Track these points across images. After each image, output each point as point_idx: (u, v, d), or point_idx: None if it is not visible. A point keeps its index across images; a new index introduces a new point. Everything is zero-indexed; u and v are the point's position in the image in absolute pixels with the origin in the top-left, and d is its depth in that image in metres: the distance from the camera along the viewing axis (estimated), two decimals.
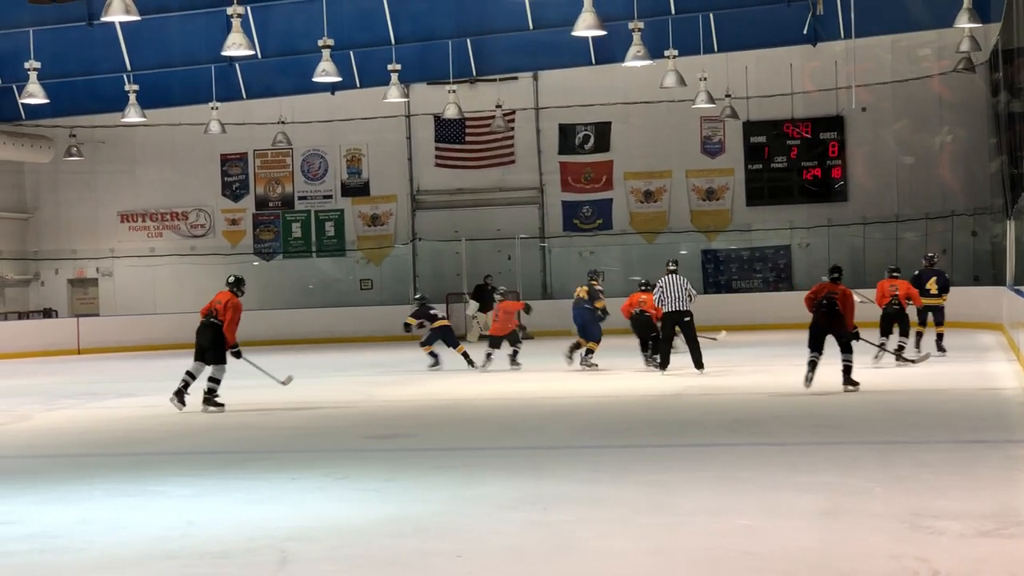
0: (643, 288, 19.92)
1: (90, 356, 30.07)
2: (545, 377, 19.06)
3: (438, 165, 33.83)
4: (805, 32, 27.20)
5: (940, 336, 20.28)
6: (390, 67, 24.91)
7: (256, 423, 14.35)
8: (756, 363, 20.09)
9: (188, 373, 15.56)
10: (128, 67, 25.90)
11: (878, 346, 18.48)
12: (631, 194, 33.09)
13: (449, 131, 33.32)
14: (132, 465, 11.35)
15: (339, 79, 22.85)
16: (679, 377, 17.58)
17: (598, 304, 20.09)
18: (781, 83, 31.46)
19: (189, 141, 33.34)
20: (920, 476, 9.14)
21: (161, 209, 35.04)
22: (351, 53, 27.93)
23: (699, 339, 18.24)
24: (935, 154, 31.64)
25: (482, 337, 27.62)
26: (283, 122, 32.00)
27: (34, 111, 29.31)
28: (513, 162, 33.50)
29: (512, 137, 33.28)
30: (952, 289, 20.95)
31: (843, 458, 10.23)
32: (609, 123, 33.00)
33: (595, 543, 7.34)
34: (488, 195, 33.61)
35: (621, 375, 18.81)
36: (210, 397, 15.38)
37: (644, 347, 19.60)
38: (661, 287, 18.20)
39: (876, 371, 17.18)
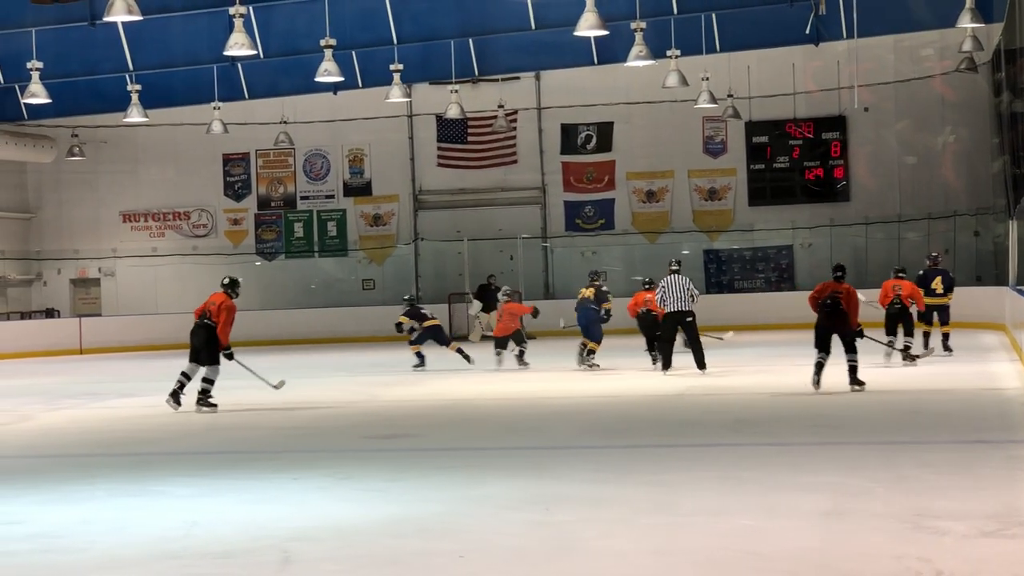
0: (647, 287, 19.92)
1: (92, 356, 30.07)
2: (547, 377, 19.05)
3: (440, 165, 33.83)
4: (807, 32, 27.17)
5: (946, 336, 20.30)
6: (392, 67, 24.89)
7: (258, 423, 14.35)
8: (758, 363, 20.08)
9: (183, 374, 15.59)
10: (130, 67, 25.90)
11: (887, 344, 18.53)
12: (633, 194, 33.09)
13: (451, 131, 33.32)
14: (134, 465, 11.35)
15: (341, 79, 22.82)
16: (681, 377, 17.57)
17: (605, 306, 20.13)
18: (783, 83, 31.46)
19: (191, 141, 33.34)
20: (922, 476, 9.13)
21: (163, 209, 35.05)
22: (353, 53, 27.92)
23: (706, 338, 18.23)
24: (937, 154, 31.63)
25: (484, 337, 27.61)
26: (285, 122, 32.00)
27: (36, 111, 29.32)
28: (515, 162, 33.51)
29: (514, 137, 33.28)
30: (955, 289, 20.95)
31: (845, 458, 10.22)
32: (611, 123, 32.99)
33: (597, 543, 7.33)
34: (490, 195, 33.61)
35: (623, 375, 18.80)
36: (203, 398, 15.41)
37: (650, 347, 19.58)
38: (663, 287, 18.21)
39: (879, 371, 17.16)
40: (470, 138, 33.41)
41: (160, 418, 15.06)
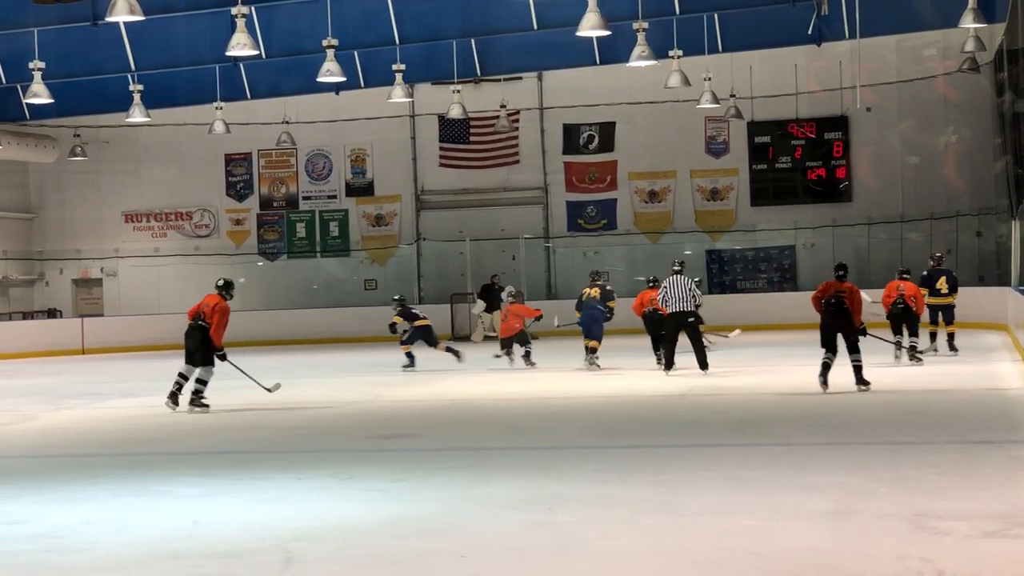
0: (652, 285, 19.90)
1: (94, 356, 30.08)
2: (550, 377, 19.05)
3: (442, 165, 33.83)
4: (810, 32, 27.17)
5: (951, 336, 20.32)
6: (394, 67, 24.89)
7: (261, 423, 14.35)
8: (761, 363, 20.06)
9: (180, 375, 15.68)
10: (132, 67, 25.92)
11: (895, 343, 18.58)
12: (635, 194, 33.09)
13: (453, 131, 33.32)
14: (137, 465, 11.35)
15: (343, 79, 22.83)
16: (684, 377, 17.56)
17: (610, 304, 20.15)
18: (786, 83, 31.45)
19: (193, 141, 33.36)
20: (925, 476, 9.13)
21: (165, 209, 35.06)
22: (355, 53, 27.93)
23: (715, 336, 18.21)
24: (940, 154, 31.63)
25: (487, 338, 27.61)
26: (287, 122, 32.00)
27: (38, 111, 29.34)
28: (517, 162, 33.51)
29: (516, 137, 33.28)
30: (958, 289, 20.97)
31: (848, 458, 10.22)
32: (613, 123, 32.99)
33: (600, 543, 7.33)
34: (492, 195, 33.60)
35: (626, 375, 18.79)
36: (196, 398, 15.49)
37: (656, 346, 19.56)
38: (665, 288, 18.22)
39: (882, 371, 17.14)
40: (472, 138, 33.41)
41: (162, 418, 15.06)
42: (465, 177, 33.70)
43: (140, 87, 25.32)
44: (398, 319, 21.57)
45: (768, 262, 32.51)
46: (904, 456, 10.17)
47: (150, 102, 26.02)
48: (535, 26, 25.22)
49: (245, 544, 7.60)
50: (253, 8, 23.22)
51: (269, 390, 16.25)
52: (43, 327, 32.53)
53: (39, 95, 22.67)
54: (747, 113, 31.04)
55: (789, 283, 32.07)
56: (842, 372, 15.03)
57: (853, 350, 15.04)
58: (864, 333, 15.27)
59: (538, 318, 21.43)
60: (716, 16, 27.05)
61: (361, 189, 34.40)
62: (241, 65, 28.55)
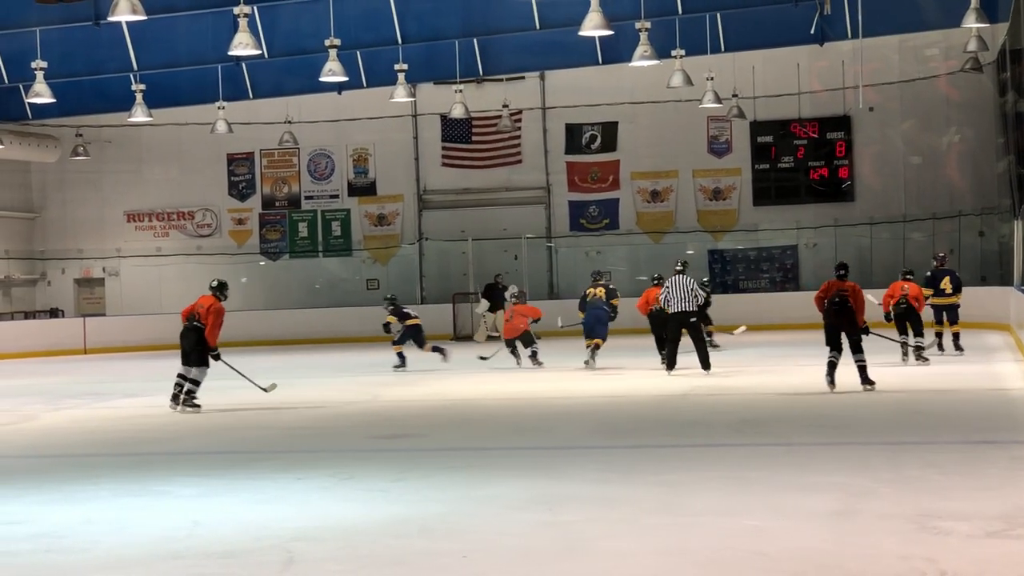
0: (656, 283, 19.90)
1: (96, 356, 30.08)
2: (552, 377, 19.04)
3: (444, 165, 33.81)
4: (812, 32, 27.17)
5: (956, 335, 20.32)
6: (397, 67, 24.88)
7: (261, 423, 14.34)
8: (763, 363, 20.05)
9: (180, 376, 15.72)
10: (135, 67, 25.94)
11: (901, 343, 18.59)
12: (638, 194, 33.06)
13: (456, 131, 33.30)
14: (137, 465, 11.34)
15: (346, 79, 22.84)
16: (686, 377, 17.55)
17: (613, 302, 20.14)
18: (788, 83, 31.42)
19: (195, 141, 33.34)
20: (928, 476, 9.11)
21: (167, 209, 35.05)
22: (358, 53, 27.94)
23: (720, 333, 18.21)
24: (942, 154, 31.59)
25: (490, 337, 27.59)
26: (290, 122, 31.98)
27: (41, 111, 29.35)
28: (520, 162, 33.48)
29: (519, 137, 33.26)
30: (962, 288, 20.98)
31: (850, 458, 10.20)
32: (616, 123, 32.96)
33: (603, 543, 7.31)
34: (494, 195, 33.58)
35: (628, 375, 18.78)
36: (189, 398, 15.54)
37: (661, 344, 19.54)
38: (667, 287, 18.24)
39: (885, 370, 17.11)
40: (474, 138, 33.39)
41: (163, 418, 15.07)
42: (467, 177, 33.68)
43: (142, 87, 25.34)
44: (391, 319, 21.60)
45: (770, 262, 32.48)
46: (906, 456, 10.16)
47: (152, 102, 26.03)
48: (537, 26, 25.22)
49: (245, 544, 7.59)
50: (255, 8, 23.23)
51: (265, 390, 16.24)
52: (45, 327, 32.54)
53: (41, 95, 22.67)
54: (749, 113, 31.01)
55: (791, 283, 32.04)
56: (847, 372, 15.02)
57: (857, 350, 15.03)
58: (867, 332, 15.27)
59: (535, 320, 21.42)
60: (719, 16, 27.05)
61: (363, 189, 34.38)
62: (243, 65, 28.56)
